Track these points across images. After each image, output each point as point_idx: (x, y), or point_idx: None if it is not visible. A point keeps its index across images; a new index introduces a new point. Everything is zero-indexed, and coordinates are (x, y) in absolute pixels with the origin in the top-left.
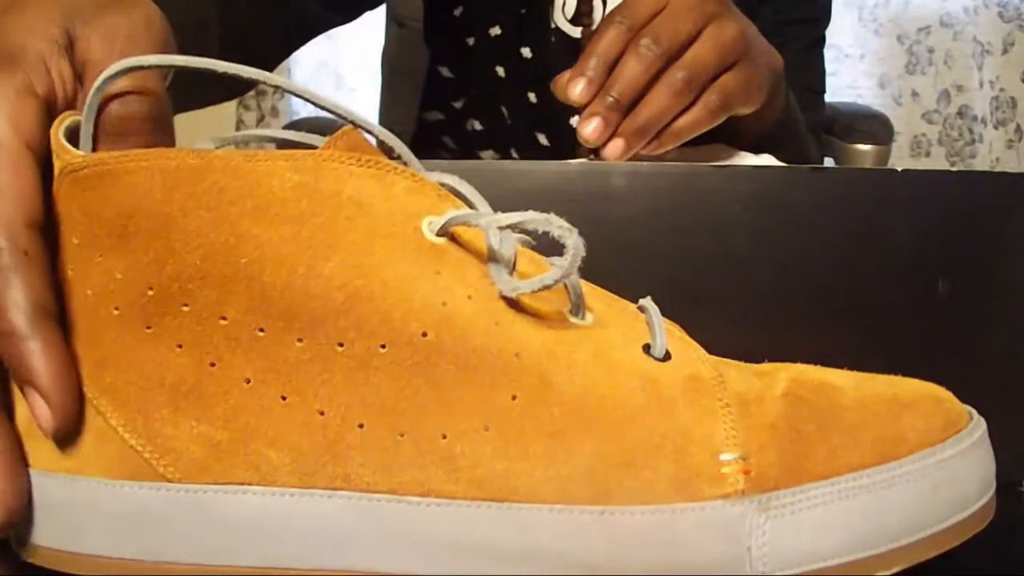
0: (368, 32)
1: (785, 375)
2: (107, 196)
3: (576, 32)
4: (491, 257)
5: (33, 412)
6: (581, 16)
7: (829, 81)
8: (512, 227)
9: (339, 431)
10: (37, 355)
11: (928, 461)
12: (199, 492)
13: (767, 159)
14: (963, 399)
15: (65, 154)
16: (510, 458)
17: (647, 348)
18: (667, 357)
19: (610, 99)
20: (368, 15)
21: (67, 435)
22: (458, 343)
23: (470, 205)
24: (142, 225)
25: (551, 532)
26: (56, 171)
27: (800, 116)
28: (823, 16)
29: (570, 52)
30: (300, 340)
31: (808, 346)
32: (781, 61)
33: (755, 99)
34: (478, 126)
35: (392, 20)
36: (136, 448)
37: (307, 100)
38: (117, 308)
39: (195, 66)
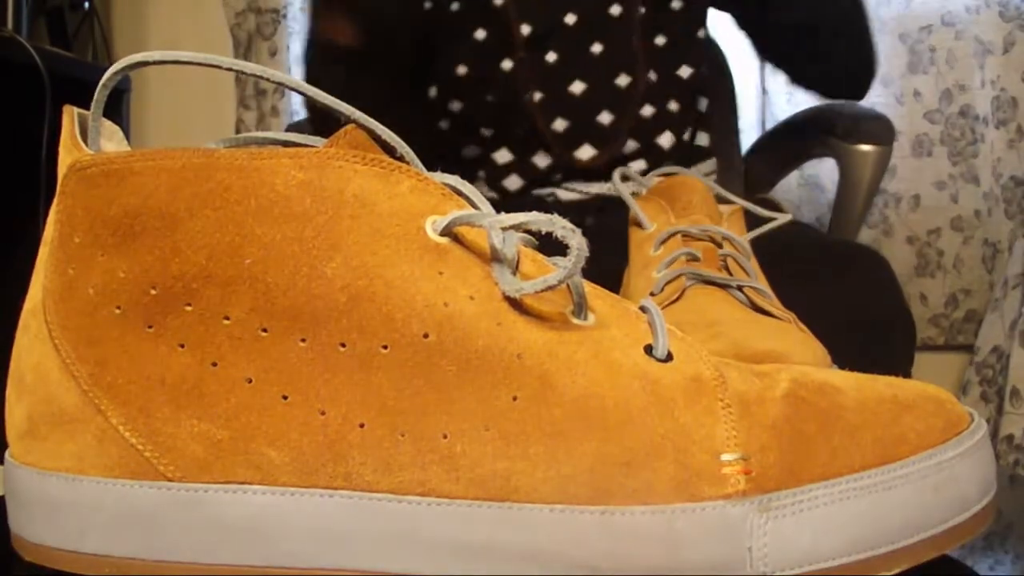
0: None
1: (786, 376)
2: (113, 195)
3: None
4: (494, 257)
5: None
6: None
7: None
8: (515, 227)
9: (340, 430)
10: None
11: (929, 462)
12: (199, 491)
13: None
14: None
15: (76, 151)
16: (510, 458)
17: (649, 349)
18: (669, 358)
19: None
20: None
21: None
22: (459, 344)
23: (473, 205)
24: (148, 225)
25: (551, 532)
26: (63, 167)
27: None
28: None
29: None
30: (303, 340)
31: None
32: None
33: None
34: None
35: None
36: (137, 447)
37: (310, 98)
38: (119, 307)
39: (198, 62)
